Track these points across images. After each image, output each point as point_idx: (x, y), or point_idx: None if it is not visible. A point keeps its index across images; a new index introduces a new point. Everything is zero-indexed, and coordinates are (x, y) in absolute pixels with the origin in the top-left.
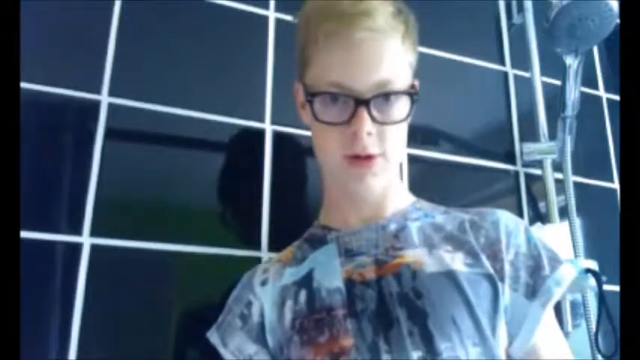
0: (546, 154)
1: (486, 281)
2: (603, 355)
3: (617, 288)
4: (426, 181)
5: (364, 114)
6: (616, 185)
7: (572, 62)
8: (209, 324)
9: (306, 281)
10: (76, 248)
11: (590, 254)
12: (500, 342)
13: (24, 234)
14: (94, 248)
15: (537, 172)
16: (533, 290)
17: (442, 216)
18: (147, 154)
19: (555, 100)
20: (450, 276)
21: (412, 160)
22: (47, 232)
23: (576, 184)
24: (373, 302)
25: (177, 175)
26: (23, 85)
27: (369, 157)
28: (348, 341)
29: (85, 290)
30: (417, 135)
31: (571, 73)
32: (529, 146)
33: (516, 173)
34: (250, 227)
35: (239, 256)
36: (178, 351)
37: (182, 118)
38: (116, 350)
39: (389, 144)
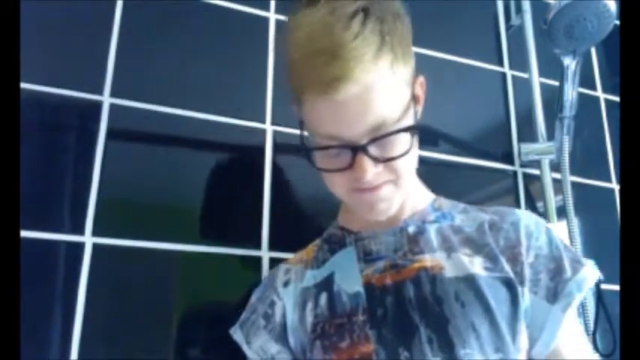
0: (544, 154)
1: (506, 285)
2: (601, 354)
3: (614, 287)
4: (424, 181)
5: (364, 159)
6: (613, 185)
7: (570, 63)
8: (210, 323)
9: (326, 284)
10: (78, 248)
11: (587, 253)
12: (521, 346)
13: (27, 233)
14: (96, 248)
15: (535, 172)
16: (555, 293)
17: (461, 216)
18: (148, 154)
19: (553, 100)
20: (470, 280)
21: None
22: (49, 231)
23: (574, 184)
24: (392, 308)
25: (178, 175)
26: (26, 85)
27: (376, 187)
28: (368, 347)
29: (86, 290)
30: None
31: (569, 73)
32: (527, 146)
33: (514, 173)
34: (250, 227)
35: (239, 255)
36: (179, 350)
37: (183, 118)
38: (117, 350)
39: (397, 172)
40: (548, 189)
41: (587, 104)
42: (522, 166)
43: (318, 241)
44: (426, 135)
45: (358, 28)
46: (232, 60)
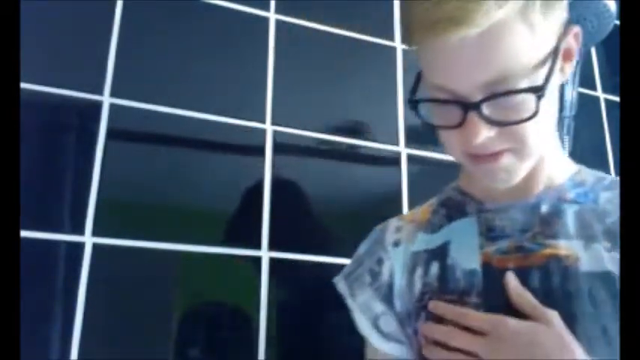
0: None
1: None
2: None
3: None
4: (425, 180)
5: (475, 119)
6: None
7: None
8: (210, 323)
9: (440, 253)
10: (78, 247)
11: None
12: None
13: (27, 233)
14: (96, 248)
15: None
16: None
17: (606, 195)
18: (148, 154)
19: None
20: (606, 278)
21: (412, 159)
22: (50, 231)
23: None
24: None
25: (178, 175)
26: (26, 85)
27: (493, 155)
28: None
29: (86, 290)
30: (417, 135)
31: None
32: None
33: None
34: (250, 227)
35: (239, 256)
36: (179, 350)
37: (183, 118)
38: (117, 350)
39: (520, 140)
40: None
41: (587, 104)
42: None
43: (433, 202)
44: (427, 134)
45: None
46: (232, 60)
